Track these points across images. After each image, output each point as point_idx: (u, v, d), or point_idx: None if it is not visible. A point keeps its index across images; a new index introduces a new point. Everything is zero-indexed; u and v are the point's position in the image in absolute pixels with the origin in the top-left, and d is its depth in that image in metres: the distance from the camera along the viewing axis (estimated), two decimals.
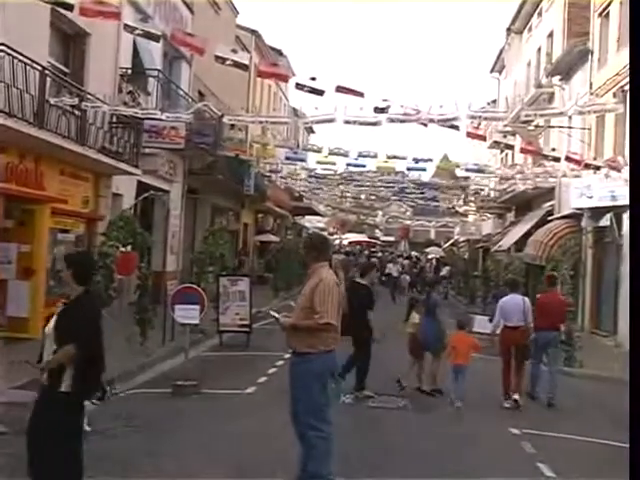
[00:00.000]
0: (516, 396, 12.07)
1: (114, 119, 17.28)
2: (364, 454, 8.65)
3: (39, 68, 13.86)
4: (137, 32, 12.37)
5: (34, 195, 14.45)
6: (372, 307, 12.24)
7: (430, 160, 22.24)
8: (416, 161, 21.71)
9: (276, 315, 7.37)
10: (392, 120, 12.72)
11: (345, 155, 20.12)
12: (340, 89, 12.21)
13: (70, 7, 10.78)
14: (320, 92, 12.17)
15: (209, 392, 11.62)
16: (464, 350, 12.03)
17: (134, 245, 14.06)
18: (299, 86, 12.16)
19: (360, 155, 20.53)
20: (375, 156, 21.09)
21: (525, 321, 12.30)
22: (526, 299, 12.75)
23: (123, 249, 13.64)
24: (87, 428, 8.11)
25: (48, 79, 14.30)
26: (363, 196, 37.04)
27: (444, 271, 43.18)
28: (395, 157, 21.45)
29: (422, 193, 33.73)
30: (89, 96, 15.35)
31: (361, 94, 12.29)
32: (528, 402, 12.50)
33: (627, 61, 21.56)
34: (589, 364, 16.37)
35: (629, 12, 8.48)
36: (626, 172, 16.71)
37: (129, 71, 19.39)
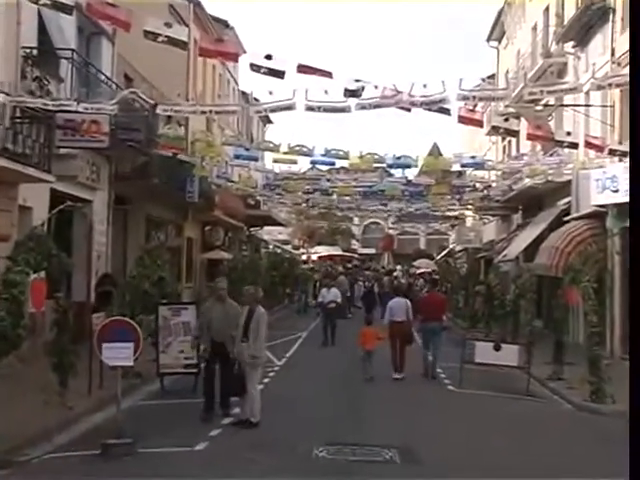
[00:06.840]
0: (400, 374, 19.52)
1: (17, 113, 17.10)
2: None
3: None
4: (43, 1, 12.24)
5: None
6: None
7: (411, 166, 22.46)
8: (397, 159, 21.81)
9: None
10: (364, 106, 12.74)
11: (308, 155, 20.14)
12: (303, 69, 12.21)
13: None
14: (280, 74, 12.16)
15: (148, 451, 11.50)
16: (371, 339, 19.34)
17: (49, 270, 13.87)
18: (254, 67, 12.14)
19: (327, 154, 20.55)
20: (346, 156, 21.07)
21: (407, 317, 19.69)
22: (408, 301, 20.29)
23: (35, 275, 13.44)
24: None
25: None
26: (335, 199, 36.93)
27: None
28: (370, 154, 21.50)
29: (407, 194, 33.72)
30: None
31: (329, 74, 12.32)
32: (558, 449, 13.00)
33: None
34: (622, 398, 16.39)
35: (629, 10, 8.71)
36: None
37: (35, 52, 19.22)
